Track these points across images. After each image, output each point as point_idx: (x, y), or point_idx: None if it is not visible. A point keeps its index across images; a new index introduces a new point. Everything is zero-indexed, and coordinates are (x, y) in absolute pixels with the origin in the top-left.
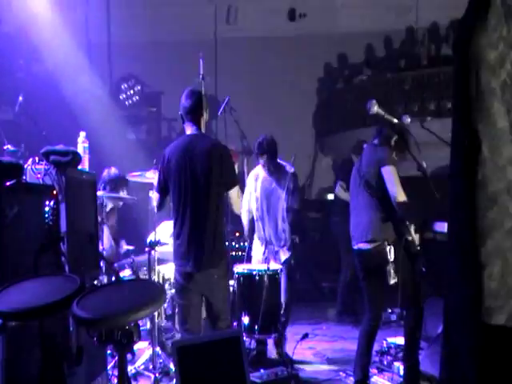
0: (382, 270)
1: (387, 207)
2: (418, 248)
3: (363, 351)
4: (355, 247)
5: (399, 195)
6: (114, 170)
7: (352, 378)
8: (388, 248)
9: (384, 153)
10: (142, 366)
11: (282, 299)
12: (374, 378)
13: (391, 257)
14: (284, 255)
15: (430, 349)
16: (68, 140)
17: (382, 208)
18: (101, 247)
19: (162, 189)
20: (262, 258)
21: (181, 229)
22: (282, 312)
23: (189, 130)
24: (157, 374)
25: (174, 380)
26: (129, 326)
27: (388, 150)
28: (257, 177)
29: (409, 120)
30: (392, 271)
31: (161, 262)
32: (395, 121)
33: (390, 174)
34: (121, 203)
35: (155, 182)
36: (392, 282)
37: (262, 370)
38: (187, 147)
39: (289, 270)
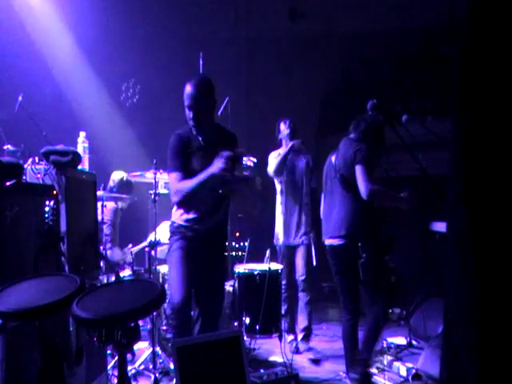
0: (354, 265)
1: (361, 203)
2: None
3: (351, 351)
4: (326, 242)
5: (366, 191)
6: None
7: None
8: (360, 244)
9: (359, 149)
10: (142, 366)
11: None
12: (374, 378)
13: (363, 252)
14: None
15: (430, 349)
16: (68, 140)
17: (355, 203)
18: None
19: None
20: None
21: None
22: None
23: None
24: (157, 374)
25: (174, 380)
26: (129, 326)
27: (364, 146)
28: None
29: (405, 117)
30: (362, 267)
31: (161, 262)
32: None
33: (361, 172)
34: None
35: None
36: (363, 277)
37: (261, 370)
38: None
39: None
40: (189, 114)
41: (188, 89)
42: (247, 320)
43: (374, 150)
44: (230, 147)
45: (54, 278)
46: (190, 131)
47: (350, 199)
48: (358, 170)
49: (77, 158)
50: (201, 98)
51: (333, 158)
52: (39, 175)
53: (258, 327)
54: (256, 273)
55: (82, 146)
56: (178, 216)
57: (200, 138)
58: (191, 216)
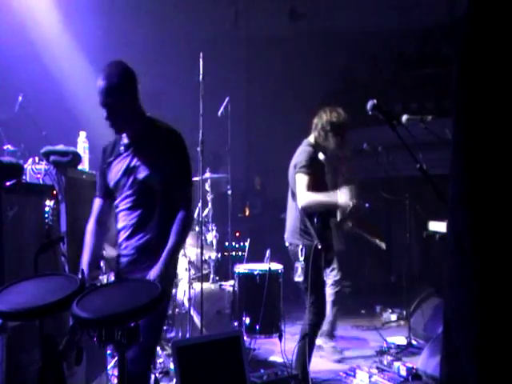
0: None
1: (300, 212)
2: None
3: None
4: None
5: (300, 200)
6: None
7: (352, 378)
8: (300, 248)
9: (301, 157)
10: None
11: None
12: (374, 378)
13: (302, 255)
14: None
15: (430, 349)
16: (68, 140)
17: (297, 211)
18: None
19: None
20: None
21: None
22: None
23: None
24: (157, 374)
25: (174, 380)
26: (129, 325)
27: (307, 153)
28: None
29: (405, 117)
30: (300, 269)
31: None
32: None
33: (299, 181)
34: None
35: None
36: (297, 279)
37: (261, 370)
38: None
39: None
40: (103, 112)
41: (99, 83)
42: (247, 320)
43: (329, 151)
44: (164, 147)
45: (53, 278)
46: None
47: (294, 206)
48: (297, 179)
49: (77, 158)
50: (113, 90)
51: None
52: (39, 175)
53: (257, 327)
54: (256, 273)
55: (82, 145)
56: None
57: (124, 138)
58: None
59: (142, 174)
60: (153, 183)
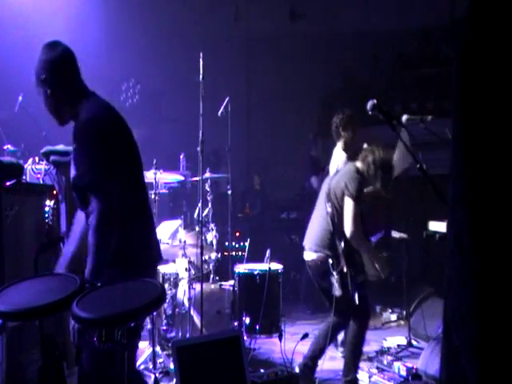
0: (327, 279)
1: (337, 227)
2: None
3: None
4: (304, 255)
5: (348, 230)
6: None
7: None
8: (331, 261)
9: (354, 184)
10: (142, 366)
11: None
12: (374, 378)
13: (336, 269)
14: None
15: (430, 349)
16: (68, 140)
17: (333, 226)
18: None
19: None
20: None
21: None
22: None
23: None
24: (157, 374)
25: (174, 380)
26: (129, 325)
27: (358, 181)
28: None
29: (405, 117)
30: (336, 284)
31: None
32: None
33: (349, 207)
34: None
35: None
36: (337, 293)
37: (261, 370)
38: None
39: None
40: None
41: None
42: (247, 320)
43: (373, 185)
44: (77, 138)
45: (53, 278)
46: None
47: (329, 219)
48: (348, 203)
49: None
50: (38, 82)
51: (331, 174)
52: (39, 175)
53: (257, 327)
54: (256, 273)
55: None
56: None
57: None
58: None
59: (72, 173)
60: (79, 183)
